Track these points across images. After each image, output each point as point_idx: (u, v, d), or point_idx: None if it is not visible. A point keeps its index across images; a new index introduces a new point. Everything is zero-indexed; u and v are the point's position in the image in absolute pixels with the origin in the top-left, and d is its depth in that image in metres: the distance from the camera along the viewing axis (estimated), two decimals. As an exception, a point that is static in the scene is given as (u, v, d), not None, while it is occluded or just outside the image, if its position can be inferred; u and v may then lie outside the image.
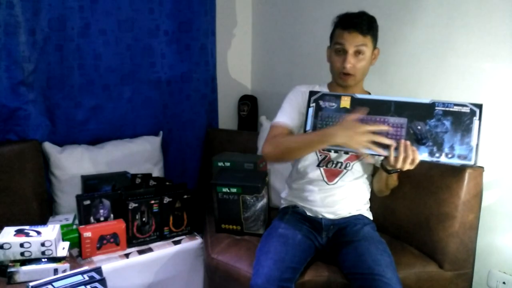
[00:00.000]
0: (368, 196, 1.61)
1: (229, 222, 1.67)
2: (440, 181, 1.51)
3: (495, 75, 1.52)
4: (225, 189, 1.62)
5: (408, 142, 1.23)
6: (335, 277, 1.39)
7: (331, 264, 1.44)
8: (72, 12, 1.86)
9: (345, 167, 1.51)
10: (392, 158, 1.24)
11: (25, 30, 1.75)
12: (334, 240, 1.48)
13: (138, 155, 2.04)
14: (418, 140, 1.25)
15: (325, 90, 1.56)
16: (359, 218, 1.54)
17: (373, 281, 1.23)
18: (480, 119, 1.21)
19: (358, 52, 1.41)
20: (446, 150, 1.23)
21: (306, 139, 1.36)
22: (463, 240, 1.47)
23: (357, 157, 1.50)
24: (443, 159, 1.24)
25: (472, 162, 1.22)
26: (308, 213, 1.56)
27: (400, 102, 1.28)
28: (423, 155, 1.24)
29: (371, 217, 1.60)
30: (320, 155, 1.52)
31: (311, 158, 1.53)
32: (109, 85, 2.02)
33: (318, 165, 1.53)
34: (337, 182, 1.52)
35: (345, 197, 1.53)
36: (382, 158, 1.35)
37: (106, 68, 2.00)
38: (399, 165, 1.24)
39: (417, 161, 1.24)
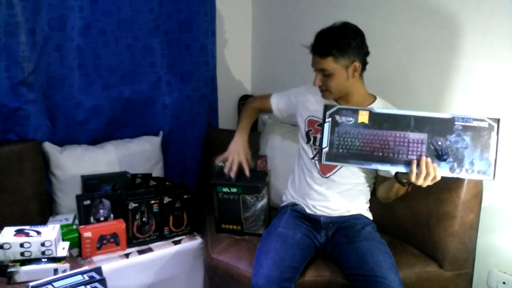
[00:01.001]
0: (368, 196, 1.62)
1: (229, 222, 1.67)
2: (440, 181, 1.50)
3: (496, 75, 1.52)
4: (225, 189, 1.62)
5: (429, 159, 1.22)
6: (335, 277, 1.39)
7: (332, 264, 1.44)
8: (72, 12, 1.85)
9: None
10: (413, 176, 1.23)
11: (25, 30, 1.75)
12: (334, 240, 1.48)
13: (138, 155, 2.04)
14: (439, 156, 1.23)
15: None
16: (359, 218, 1.54)
17: (376, 283, 1.23)
18: (497, 133, 1.21)
19: (323, 72, 1.43)
20: (467, 166, 1.22)
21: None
22: (463, 240, 1.47)
23: None
24: (463, 175, 1.23)
25: (491, 177, 1.22)
26: (308, 211, 1.57)
27: (420, 117, 1.25)
28: (443, 170, 1.23)
29: (371, 217, 1.60)
30: (314, 150, 1.57)
31: (308, 152, 1.59)
32: (109, 85, 2.02)
33: (313, 158, 1.57)
34: (330, 176, 1.54)
35: (341, 192, 1.54)
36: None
37: (106, 68, 1.99)
38: (419, 182, 1.23)
39: (438, 179, 1.23)
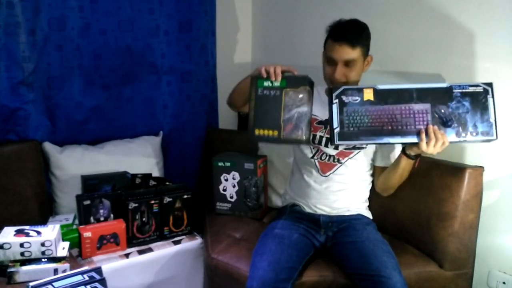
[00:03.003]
0: (367, 195, 1.62)
1: (265, 126, 1.38)
2: (440, 181, 1.51)
3: (495, 75, 1.52)
4: (266, 83, 1.39)
5: (436, 127, 1.28)
6: (336, 277, 1.39)
7: (333, 264, 1.44)
8: (72, 12, 1.85)
9: (338, 161, 1.54)
10: (424, 144, 1.29)
11: (25, 30, 1.75)
12: (336, 239, 1.48)
13: (138, 155, 2.04)
14: (444, 123, 1.31)
15: (323, 95, 1.61)
16: (359, 218, 1.55)
17: (380, 283, 1.23)
18: (493, 96, 1.30)
19: (347, 63, 1.45)
20: (471, 129, 1.30)
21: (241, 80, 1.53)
22: (463, 240, 1.47)
23: (347, 154, 1.53)
24: (469, 138, 1.30)
25: (494, 137, 1.30)
26: (307, 210, 1.57)
27: (421, 88, 1.32)
28: (451, 136, 1.30)
29: (370, 217, 1.60)
30: (313, 148, 1.57)
31: (306, 152, 1.58)
32: (109, 85, 2.02)
33: (312, 157, 1.57)
34: (330, 174, 1.55)
35: (341, 189, 1.55)
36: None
37: (106, 68, 1.99)
38: (430, 150, 1.29)
39: (447, 144, 1.29)
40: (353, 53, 1.44)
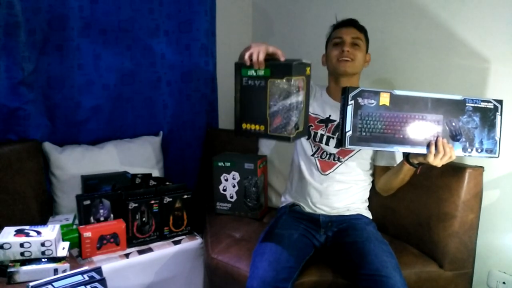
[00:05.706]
0: (367, 195, 1.62)
1: (251, 120, 1.29)
2: (440, 181, 1.51)
3: (495, 75, 1.52)
4: (251, 72, 1.27)
5: (445, 140, 1.28)
6: (335, 277, 1.39)
7: (333, 264, 1.44)
8: (72, 12, 1.85)
9: (339, 160, 1.55)
10: (432, 156, 1.28)
11: (25, 30, 1.75)
12: (336, 240, 1.48)
13: (138, 155, 2.04)
14: (453, 136, 1.30)
15: (324, 93, 1.60)
16: (359, 218, 1.55)
17: (380, 283, 1.23)
18: (501, 114, 1.31)
19: (354, 44, 1.51)
20: (477, 145, 1.30)
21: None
22: (463, 240, 1.47)
23: (347, 153, 1.53)
24: (474, 153, 1.31)
25: (497, 155, 1.31)
26: (307, 210, 1.57)
27: (436, 98, 1.31)
28: (457, 150, 1.30)
29: (370, 216, 1.60)
30: (314, 146, 1.58)
31: (307, 150, 1.59)
32: (109, 85, 2.02)
33: (313, 155, 1.58)
34: (330, 173, 1.55)
35: (341, 189, 1.55)
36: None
37: (106, 68, 1.99)
38: (436, 162, 1.29)
39: (453, 158, 1.29)
40: (359, 34, 1.52)
